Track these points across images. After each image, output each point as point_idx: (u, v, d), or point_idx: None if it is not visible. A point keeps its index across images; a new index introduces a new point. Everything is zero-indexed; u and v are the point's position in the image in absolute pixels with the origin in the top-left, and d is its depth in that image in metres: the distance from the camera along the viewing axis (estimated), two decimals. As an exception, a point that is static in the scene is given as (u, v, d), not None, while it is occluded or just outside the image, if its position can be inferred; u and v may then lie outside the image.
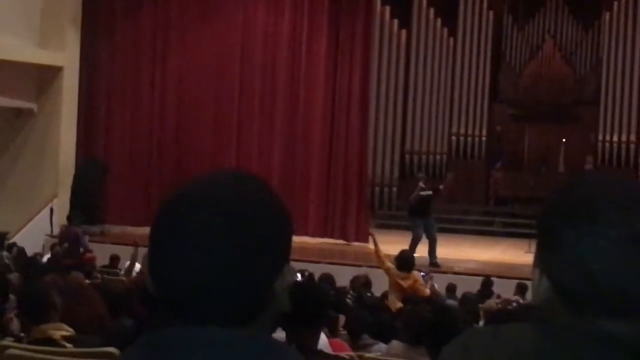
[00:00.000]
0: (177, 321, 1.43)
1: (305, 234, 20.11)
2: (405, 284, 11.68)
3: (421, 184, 18.14)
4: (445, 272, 16.79)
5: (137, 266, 13.82)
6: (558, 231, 1.52)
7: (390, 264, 12.33)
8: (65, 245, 17.06)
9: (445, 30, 26.49)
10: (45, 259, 14.74)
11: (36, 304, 5.19)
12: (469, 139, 26.44)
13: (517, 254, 19.38)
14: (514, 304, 11.71)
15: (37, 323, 5.18)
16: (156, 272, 1.44)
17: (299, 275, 12.67)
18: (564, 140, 25.55)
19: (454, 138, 26.52)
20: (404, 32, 26.60)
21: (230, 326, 1.42)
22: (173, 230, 1.42)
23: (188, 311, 1.43)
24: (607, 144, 25.46)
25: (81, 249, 16.81)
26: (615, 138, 25.41)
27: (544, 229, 1.57)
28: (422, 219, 17.77)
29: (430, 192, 17.92)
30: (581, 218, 1.50)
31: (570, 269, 1.50)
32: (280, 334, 4.38)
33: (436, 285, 14.20)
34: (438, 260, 17.62)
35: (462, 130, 26.47)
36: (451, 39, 26.54)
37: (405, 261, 12.37)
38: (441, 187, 19.13)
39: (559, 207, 1.55)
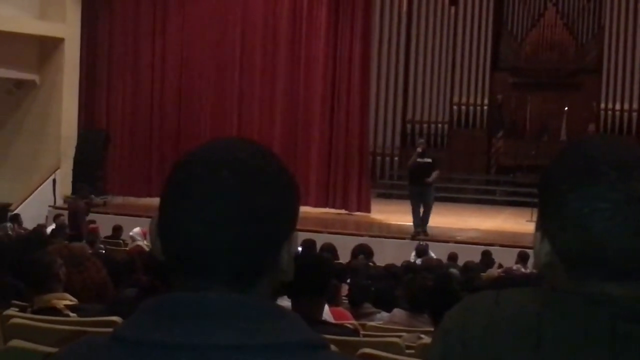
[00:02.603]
0: (180, 286, 1.44)
1: (307, 203, 20.03)
2: None
3: (418, 150, 17.74)
4: (447, 242, 16.78)
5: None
6: (559, 194, 1.51)
7: None
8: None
9: (447, -2, 26.47)
10: (49, 230, 14.76)
11: (39, 273, 5.20)
12: (470, 107, 26.43)
13: (519, 223, 19.37)
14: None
15: (40, 293, 5.20)
16: (165, 229, 1.44)
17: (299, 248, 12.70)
18: (565, 108, 25.51)
19: (455, 107, 26.50)
20: (405, 0, 26.50)
21: (231, 290, 1.41)
22: (183, 186, 1.43)
23: (192, 270, 1.43)
24: (610, 112, 25.43)
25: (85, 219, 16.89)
26: (617, 106, 25.37)
27: (545, 192, 1.56)
28: (418, 186, 17.27)
29: (429, 160, 17.35)
30: (582, 180, 1.50)
31: (571, 231, 1.50)
32: (286, 303, 4.39)
33: (434, 255, 14.23)
34: (428, 229, 17.36)
35: (464, 99, 26.45)
36: (452, 8, 26.44)
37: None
38: (431, 178, 18.04)
39: (559, 170, 1.54)
